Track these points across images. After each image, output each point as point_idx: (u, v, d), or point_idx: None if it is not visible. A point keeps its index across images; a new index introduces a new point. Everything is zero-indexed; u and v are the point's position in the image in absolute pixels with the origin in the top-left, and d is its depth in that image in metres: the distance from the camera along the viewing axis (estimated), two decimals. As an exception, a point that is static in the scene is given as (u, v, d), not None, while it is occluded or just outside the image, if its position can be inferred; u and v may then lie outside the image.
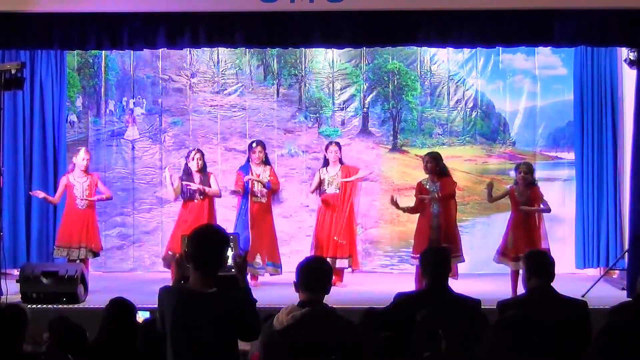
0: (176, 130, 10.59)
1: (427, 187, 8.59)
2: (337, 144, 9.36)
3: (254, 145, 9.22)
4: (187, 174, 9.04)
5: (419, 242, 8.53)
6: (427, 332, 3.94)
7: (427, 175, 8.66)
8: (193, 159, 9.01)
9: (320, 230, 9.20)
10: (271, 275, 9.17)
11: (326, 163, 9.25)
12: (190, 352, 3.72)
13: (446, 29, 8.39)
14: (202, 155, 9.14)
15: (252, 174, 9.08)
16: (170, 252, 8.94)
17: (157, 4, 8.40)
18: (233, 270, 3.93)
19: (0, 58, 9.11)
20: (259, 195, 9.10)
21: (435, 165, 8.57)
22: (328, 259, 8.60)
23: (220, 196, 9.23)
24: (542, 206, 8.46)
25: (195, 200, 8.99)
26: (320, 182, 9.21)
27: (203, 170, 9.05)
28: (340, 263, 9.10)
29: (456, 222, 8.77)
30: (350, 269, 9.27)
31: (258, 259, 9.04)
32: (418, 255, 8.34)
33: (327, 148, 9.30)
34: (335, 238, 9.10)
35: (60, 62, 10.06)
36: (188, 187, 8.94)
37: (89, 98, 10.61)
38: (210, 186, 9.01)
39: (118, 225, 10.54)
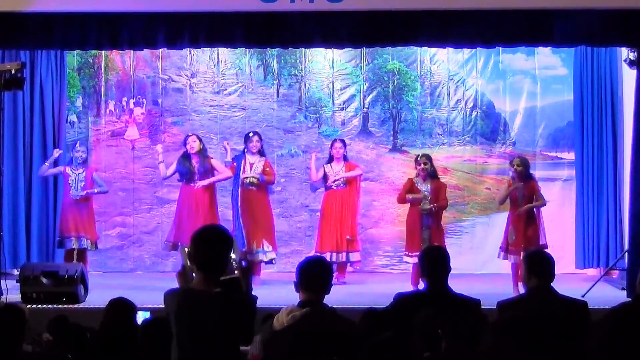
0: (176, 130, 10.58)
1: (418, 186, 8.77)
2: (342, 140, 9.52)
3: (250, 134, 9.35)
4: (187, 158, 9.07)
5: (411, 241, 8.78)
6: (427, 332, 3.94)
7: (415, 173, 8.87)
8: (188, 143, 9.09)
9: (325, 225, 9.30)
10: (266, 263, 9.23)
11: (330, 159, 9.36)
12: (196, 351, 3.71)
13: (446, 29, 8.39)
14: (198, 137, 9.20)
15: (244, 166, 9.14)
16: (174, 242, 9.01)
17: (157, 4, 8.40)
18: (236, 272, 3.94)
19: (0, 58, 9.11)
20: (249, 184, 9.17)
21: (431, 166, 8.82)
22: (338, 254, 9.09)
23: (232, 176, 9.25)
24: (535, 202, 8.50)
25: (194, 185, 9.01)
26: (326, 177, 9.32)
27: (202, 152, 9.08)
28: (352, 257, 9.30)
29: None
30: (359, 262, 9.44)
31: (254, 246, 9.09)
32: (411, 254, 8.64)
33: (332, 145, 9.42)
34: (348, 237, 9.24)
35: (60, 62, 10.06)
36: (199, 187, 8.97)
37: (89, 98, 10.61)
38: (217, 171, 9.10)
39: (118, 225, 10.54)
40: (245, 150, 9.29)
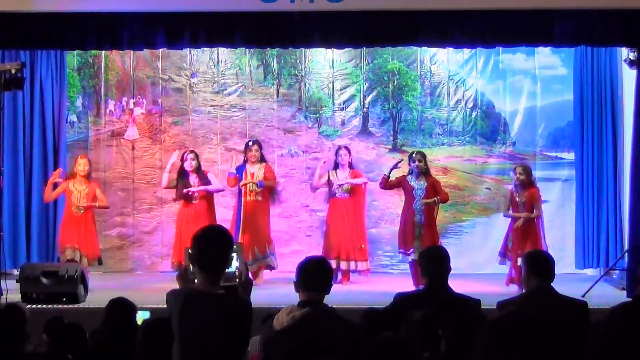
0: (176, 130, 10.59)
1: (412, 183, 8.83)
2: (347, 148, 9.53)
3: (250, 144, 9.34)
4: (183, 175, 9.08)
5: (403, 237, 8.86)
6: (427, 332, 3.94)
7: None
8: (187, 160, 9.08)
9: (331, 233, 9.32)
10: (266, 267, 9.25)
11: (336, 166, 9.39)
12: (198, 352, 3.71)
13: (446, 29, 8.40)
14: (196, 155, 9.21)
15: (245, 176, 9.16)
16: (176, 262, 8.94)
17: (157, 4, 8.40)
18: (236, 280, 3.95)
19: (0, 58, 9.11)
20: (253, 193, 9.16)
21: (425, 164, 8.87)
22: (347, 262, 9.19)
23: (223, 190, 9.37)
24: (535, 211, 8.59)
25: (194, 202, 9.04)
26: (330, 183, 9.35)
27: (198, 170, 9.11)
28: (360, 266, 9.33)
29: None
30: (368, 270, 9.44)
31: (256, 253, 9.11)
32: (401, 250, 8.80)
33: (336, 152, 9.46)
34: (362, 246, 9.32)
35: (60, 62, 10.06)
36: (189, 192, 9.00)
37: (89, 98, 10.60)
38: (210, 183, 9.10)
39: (118, 225, 10.53)
40: (245, 160, 9.29)
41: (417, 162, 8.84)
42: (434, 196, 8.81)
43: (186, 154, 9.18)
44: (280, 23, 8.36)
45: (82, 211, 8.90)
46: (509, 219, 8.77)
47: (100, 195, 9.08)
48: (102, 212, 9.99)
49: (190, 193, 9.01)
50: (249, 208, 9.17)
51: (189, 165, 9.07)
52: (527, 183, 8.62)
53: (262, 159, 9.31)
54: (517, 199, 8.62)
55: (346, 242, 9.25)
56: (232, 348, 3.74)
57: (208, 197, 9.15)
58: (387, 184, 9.00)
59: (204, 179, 9.09)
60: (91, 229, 9.04)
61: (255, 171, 9.21)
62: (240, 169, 9.26)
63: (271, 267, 9.27)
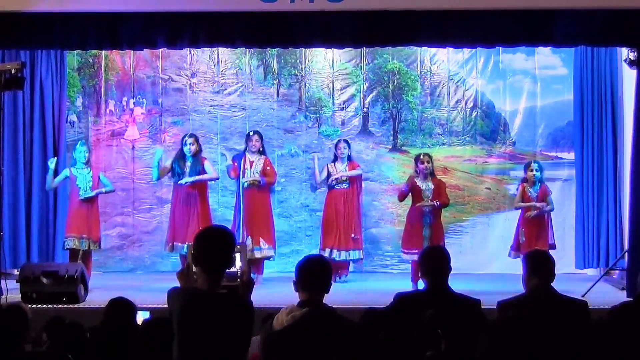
0: (176, 130, 10.58)
1: (419, 184, 8.86)
2: (346, 141, 9.61)
3: (251, 134, 9.43)
4: (182, 158, 9.14)
5: (409, 238, 8.86)
6: (427, 332, 3.94)
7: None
8: (186, 144, 9.17)
9: (329, 223, 9.39)
10: (265, 258, 9.28)
11: (335, 159, 9.45)
12: (198, 351, 3.71)
13: (446, 29, 8.40)
14: (196, 139, 9.26)
15: (244, 164, 9.19)
16: (174, 243, 9.13)
17: (157, 4, 8.40)
18: (237, 280, 3.96)
19: (0, 58, 9.11)
20: (250, 185, 9.23)
21: (432, 166, 8.95)
22: (339, 251, 9.25)
23: (217, 178, 9.46)
24: (547, 207, 8.80)
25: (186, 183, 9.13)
26: (329, 176, 9.42)
27: (197, 154, 9.15)
28: (353, 255, 9.42)
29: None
30: (361, 260, 9.57)
31: (251, 243, 9.15)
32: (407, 250, 8.77)
33: (336, 145, 9.53)
34: (353, 236, 9.38)
35: (60, 62, 10.05)
36: (183, 184, 9.03)
37: (89, 98, 10.61)
38: (204, 172, 9.15)
39: (118, 225, 10.54)
40: (246, 149, 9.32)
41: (425, 164, 8.84)
42: (438, 197, 8.81)
43: (186, 138, 9.24)
44: (280, 23, 8.37)
45: (88, 194, 8.99)
46: (519, 213, 8.85)
47: (104, 180, 9.24)
48: (102, 212, 10.00)
49: (185, 184, 9.07)
50: (246, 196, 9.21)
51: (189, 150, 9.12)
52: (540, 179, 8.83)
53: (262, 151, 9.35)
54: (528, 193, 8.75)
55: (341, 232, 9.33)
56: (232, 348, 3.74)
57: (202, 183, 9.21)
58: (405, 197, 9.02)
59: (197, 165, 9.12)
60: (95, 213, 9.17)
61: (255, 160, 9.25)
62: (239, 157, 9.31)
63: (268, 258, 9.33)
